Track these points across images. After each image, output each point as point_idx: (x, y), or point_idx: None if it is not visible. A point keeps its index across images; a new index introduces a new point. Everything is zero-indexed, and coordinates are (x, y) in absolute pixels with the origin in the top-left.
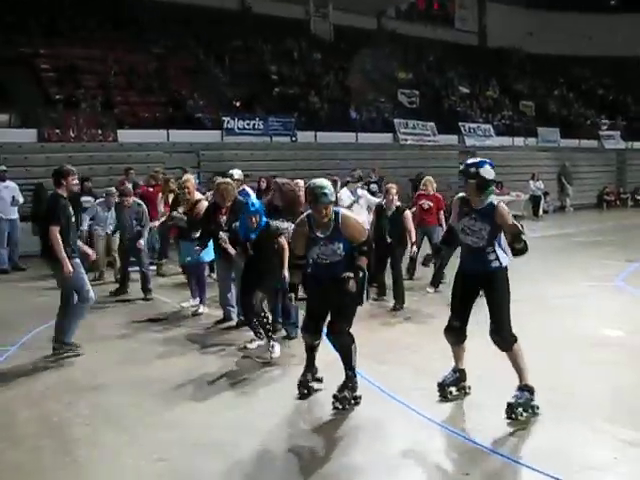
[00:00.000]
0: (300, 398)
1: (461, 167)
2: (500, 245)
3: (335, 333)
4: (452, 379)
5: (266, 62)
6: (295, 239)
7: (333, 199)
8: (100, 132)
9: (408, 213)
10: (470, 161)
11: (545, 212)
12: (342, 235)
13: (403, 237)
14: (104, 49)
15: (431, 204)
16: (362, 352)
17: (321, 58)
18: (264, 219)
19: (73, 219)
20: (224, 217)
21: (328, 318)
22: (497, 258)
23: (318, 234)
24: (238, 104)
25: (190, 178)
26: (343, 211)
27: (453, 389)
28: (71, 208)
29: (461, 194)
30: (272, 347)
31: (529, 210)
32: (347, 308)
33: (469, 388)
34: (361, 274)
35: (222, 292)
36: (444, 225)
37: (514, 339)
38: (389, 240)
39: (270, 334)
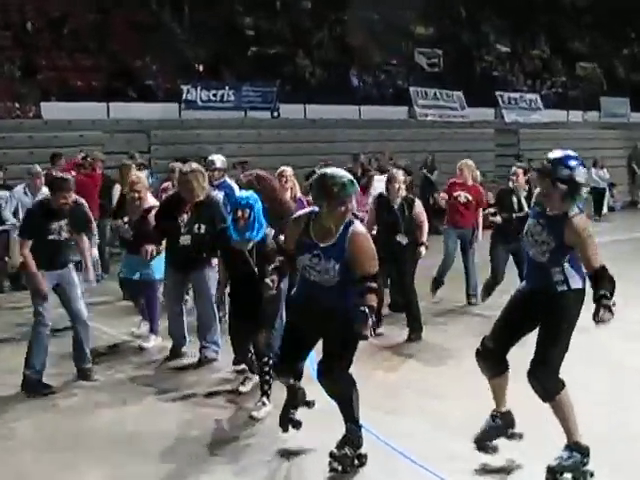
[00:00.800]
0: (284, 432)
1: (543, 163)
2: (572, 263)
3: (328, 377)
4: (492, 429)
5: (238, 13)
6: (287, 235)
7: (358, 189)
8: (18, 106)
9: (420, 204)
10: (557, 156)
11: (611, 209)
12: (345, 254)
13: (415, 237)
14: None
15: (469, 197)
16: (367, 397)
17: (311, 7)
18: (263, 229)
19: None
20: (185, 216)
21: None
22: (565, 279)
23: (315, 240)
24: (201, 68)
25: (141, 177)
26: (358, 225)
27: (495, 442)
28: None
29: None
30: (262, 404)
31: (590, 207)
32: (345, 343)
33: (520, 437)
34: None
35: (173, 318)
36: (479, 230)
37: (559, 386)
38: (404, 241)
39: (267, 387)
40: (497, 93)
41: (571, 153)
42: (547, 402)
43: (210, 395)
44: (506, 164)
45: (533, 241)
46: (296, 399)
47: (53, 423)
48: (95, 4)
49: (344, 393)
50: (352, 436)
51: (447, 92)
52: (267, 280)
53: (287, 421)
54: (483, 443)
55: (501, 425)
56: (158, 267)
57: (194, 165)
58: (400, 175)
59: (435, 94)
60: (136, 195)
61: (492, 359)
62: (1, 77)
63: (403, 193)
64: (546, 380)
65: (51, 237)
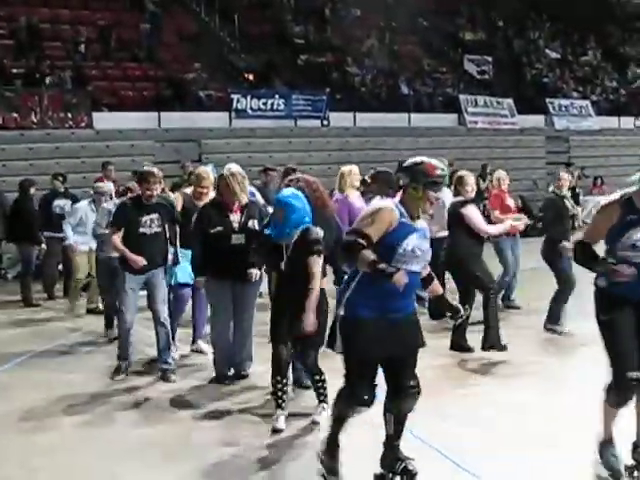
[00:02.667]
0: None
1: None
2: None
3: (417, 395)
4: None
5: (287, 22)
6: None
7: None
8: (70, 116)
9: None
10: None
11: None
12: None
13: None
14: (74, 8)
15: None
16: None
17: (360, 15)
18: (306, 219)
19: None
20: (236, 215)
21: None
22: None
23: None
24: (251, 77)
25: (209, 172)
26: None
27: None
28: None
29: (625, 192)
30: (322, 408)
31: None
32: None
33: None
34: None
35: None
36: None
37: None
38: None
39: (323, 397)
40: (547, 100)
41: None
42: None
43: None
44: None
45: None
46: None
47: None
48: (144, 15)
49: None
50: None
51: (497, 99)
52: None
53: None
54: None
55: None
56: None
57: (234, 168)
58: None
59: (485, 101)
60: (204, 191)
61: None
62: (53, 88)
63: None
64: None
65: (142, 230)
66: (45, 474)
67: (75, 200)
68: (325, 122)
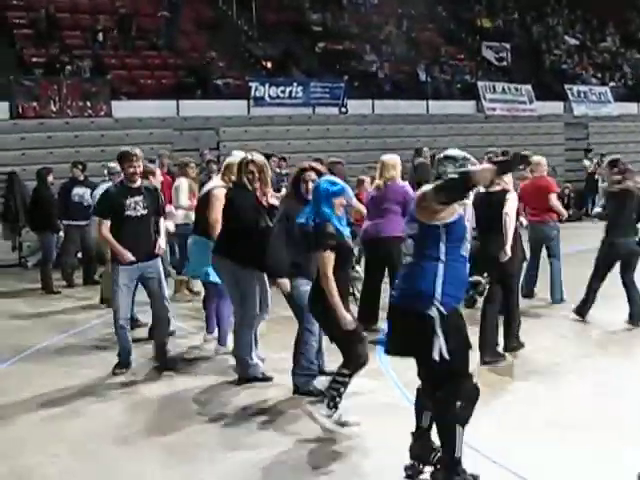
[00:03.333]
0: None
1: None
2: None
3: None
4: None
5: (305, 9)
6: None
7: None
8: (89, 105)
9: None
10: None
11: None
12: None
13: None
14: None
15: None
16: None
17: (378, 2)
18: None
19: None
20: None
21: None
22: None
23: None
24: (269, 65)
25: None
26: None
27: None
28: None
29: None
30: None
31: None
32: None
33: None
34: None
35: (241, 334)
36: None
37: None
38: None
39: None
40: (566, 86)
41: None
42: None
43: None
44: (575, 158)
45: None
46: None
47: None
48: (161, 3)
49: (447, 424)
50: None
51: (515, 86)
52: None
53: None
54: None
55: None
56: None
57: (257, 157)
58: None
59: (503, 88)
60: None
61: None
62: (72, 76)
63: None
64: None
65: (127, 213)
66: (63, 461)
67: (94, 188)
68: (343, 110)
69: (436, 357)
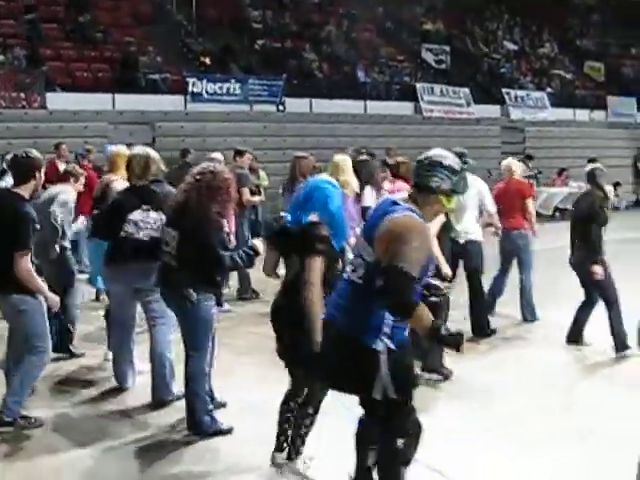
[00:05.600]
0: None
1: None
2: None
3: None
4: None
5: (245, 6)
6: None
7: None
8: (23, 96)
9: None
10: None
11: (615, 208)
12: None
13: None
14: None
15: None
16: None
17: (319, 1)
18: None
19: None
20: None
21: None
22: None
23: None
24: (208, 61)
25: None
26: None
27: None
28: None
29: None
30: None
31: None
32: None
33: None
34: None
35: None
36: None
37: None
38: None
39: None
40: (504, 90)
41: None
42: None
43: None
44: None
45: None
46: None
47: None
48: None
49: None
50: None
51: (454, 88)
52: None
53: None
54: None
55: None
56: None
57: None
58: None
59: (442, 90)
60: None
61: None
62: (6, 67)
63: None
64: None
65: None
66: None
67: None
68: (281, 107)
69: (377, 396)
